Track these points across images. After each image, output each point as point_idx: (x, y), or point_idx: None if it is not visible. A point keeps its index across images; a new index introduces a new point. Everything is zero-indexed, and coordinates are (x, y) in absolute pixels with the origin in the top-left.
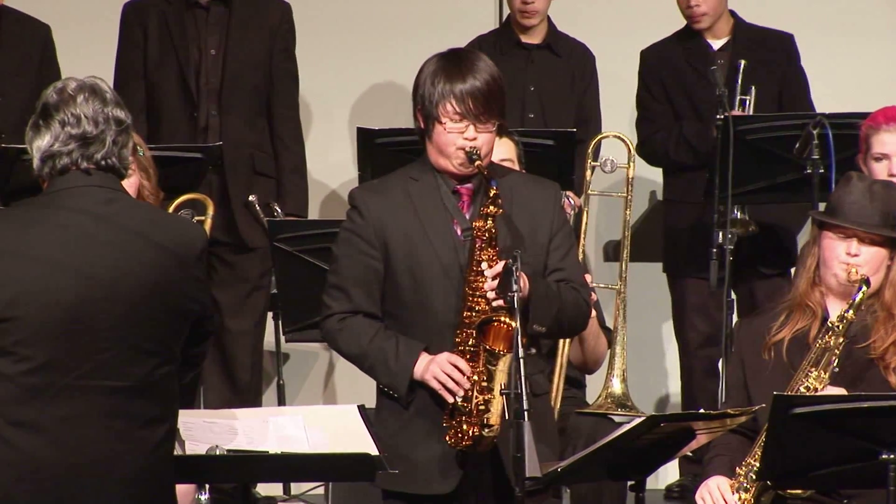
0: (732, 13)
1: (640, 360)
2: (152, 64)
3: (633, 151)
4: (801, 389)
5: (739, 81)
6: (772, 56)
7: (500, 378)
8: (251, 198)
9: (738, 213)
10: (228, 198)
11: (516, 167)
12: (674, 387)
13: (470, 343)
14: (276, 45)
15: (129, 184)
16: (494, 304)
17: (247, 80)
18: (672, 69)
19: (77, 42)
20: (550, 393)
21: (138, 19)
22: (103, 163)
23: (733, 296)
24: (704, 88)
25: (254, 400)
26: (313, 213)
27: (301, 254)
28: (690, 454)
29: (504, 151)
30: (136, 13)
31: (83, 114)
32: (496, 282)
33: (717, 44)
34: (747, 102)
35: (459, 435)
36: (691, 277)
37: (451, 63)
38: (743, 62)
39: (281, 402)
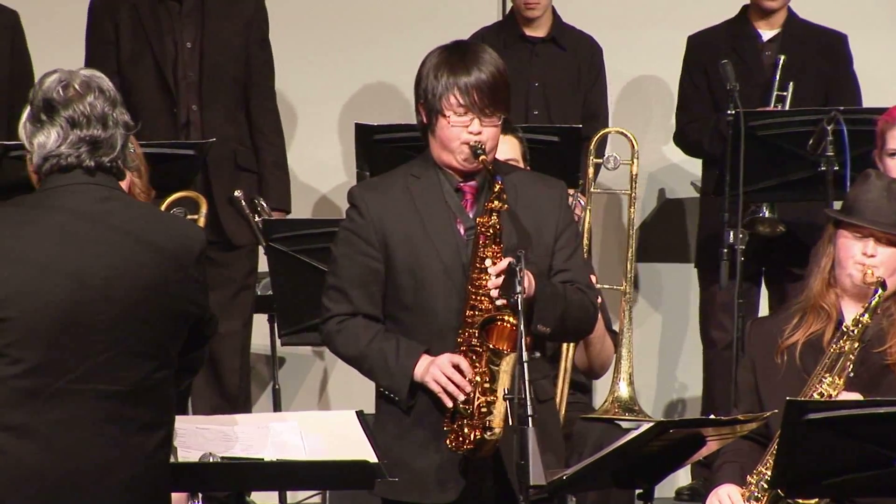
0: (788, 7)
1: (647, 364)
2: (126, 59)
3: (636, 147)
4: (815, 396)
5: (778, 77)
6: (820, 54)
7: (504, 379)
8: (237, 193)
9: (767, 213)
10: (212, 195)
11: (521, 166)
12: (683, 392)
13: (473, 342)
14: (251, 35)
15: (122, 182)
16: (498, 302)
17: (226, 73)
18: (716, 56)
19: (46, 30)
20: (555, 398)
21: (108, 14)
22: (108, 164)
23: (764, 294)
24: (748, 78)
25: (243, 404)
26: (306, 214)
27: (297, 254)
28: (703, 459)
29: (509, 150)
30: (106, 7)
31: (93, 114)
32: (500, 279)
33: (767, 34)
34: (785, 99)
35: (461, 438)
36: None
37: (455, 55)
38: (782, 57)
39: (276, 407)
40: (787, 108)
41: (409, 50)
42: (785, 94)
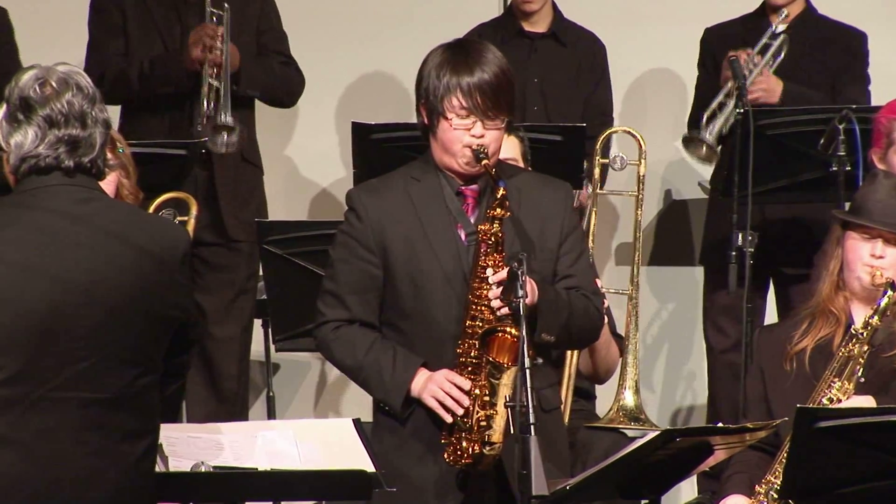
0: (807, 2)
1: (654, 370)
2: (134, 48)
3: (644, 147)
4: (824, 401)
5: (774, 46)
6: (830, 48)
7: (504, 392)
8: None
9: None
10: (215, 191)
11: (521, 166)
12: (691, 399)
13: (472, 354)
14: (259, 27)
15: (108, 182)
16: (499, 312)
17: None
18: (727, 48)
19: (37, 25)
20: (560, 407)
21: (115, 2)
22: (88, 164)
23: (771, 297)
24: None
25: (240, 412)
26: (302, 213)
27: (292, 257)
28: (709, 470)
29: (509, 150)
30: None
31: (71, 113)
32: (501, 289)
33: (780, 28)
34: (769, 48)
35: (459, 452)
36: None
37: (458, 54)
38: (780, 33)
39: (270, 415)
40: (774, 62)
41: (409, 44)
42: (772, 42)
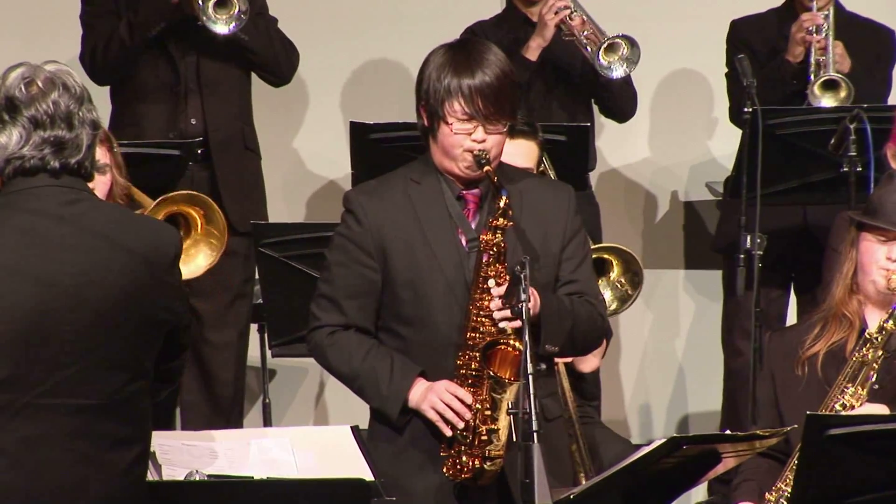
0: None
1: (659, 375)
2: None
3: None
4: (837, 407)
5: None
6: (861, 46)
7: (506, 407)
8: None
9: None
10: (216, 189)
11: (533, 170)
12: (696, 405)
13: (473, 367)
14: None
15: (104, 181)
16: (501, 325)
17: (225, 50)
18: (765, 39)
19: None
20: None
21: None
22: (75, 165)
23: (793, 300)
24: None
25: (236, 420)
26: (300, 210)
27: (289, 260)
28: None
29: (524, 156)
30: None
31: (57, 114)
32: (502, 301)
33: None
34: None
35: (458, 466)
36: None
37: (459, 55)
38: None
39: (266, 422)
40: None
41: (416, 38)
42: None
